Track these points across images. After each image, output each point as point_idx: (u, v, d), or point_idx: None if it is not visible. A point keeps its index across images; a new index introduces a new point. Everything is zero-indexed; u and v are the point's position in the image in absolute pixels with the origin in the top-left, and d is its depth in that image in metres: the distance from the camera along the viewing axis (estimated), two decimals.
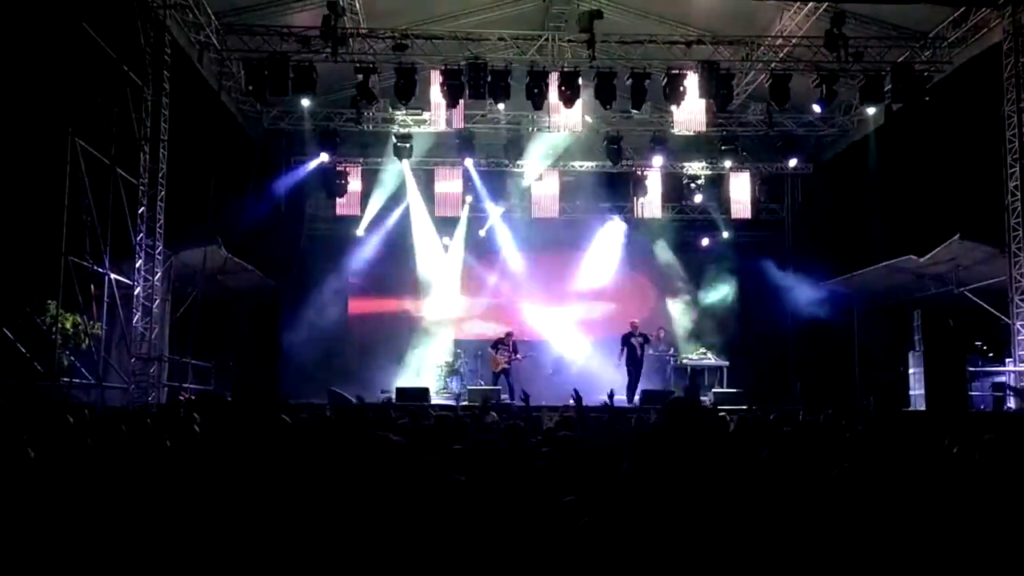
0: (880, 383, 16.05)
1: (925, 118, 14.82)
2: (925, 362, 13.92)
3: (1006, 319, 13.69)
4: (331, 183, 18.95)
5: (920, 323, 14.19)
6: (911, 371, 14.44)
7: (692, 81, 15.13)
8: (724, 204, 19.77)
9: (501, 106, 16.19)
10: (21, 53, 10.99)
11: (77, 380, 11.91)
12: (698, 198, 19.66)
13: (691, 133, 16.93)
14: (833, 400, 15.14)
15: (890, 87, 15.02)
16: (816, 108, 16.44)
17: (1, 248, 11.00)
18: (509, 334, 17.16)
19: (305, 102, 16.16)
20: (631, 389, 15.95)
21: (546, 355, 19.01)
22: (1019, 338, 13.33)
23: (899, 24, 14.98)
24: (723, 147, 18.44)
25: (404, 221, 19.82)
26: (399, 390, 15.23)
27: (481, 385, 16.52)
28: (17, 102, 10.96)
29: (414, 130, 17.85)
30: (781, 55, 15.41)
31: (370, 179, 19.45)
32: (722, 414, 9.67)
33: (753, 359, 18.16)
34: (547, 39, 15.33)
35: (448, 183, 19.12)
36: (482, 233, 20.08)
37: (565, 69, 15.13)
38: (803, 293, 19.08)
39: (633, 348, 16.31)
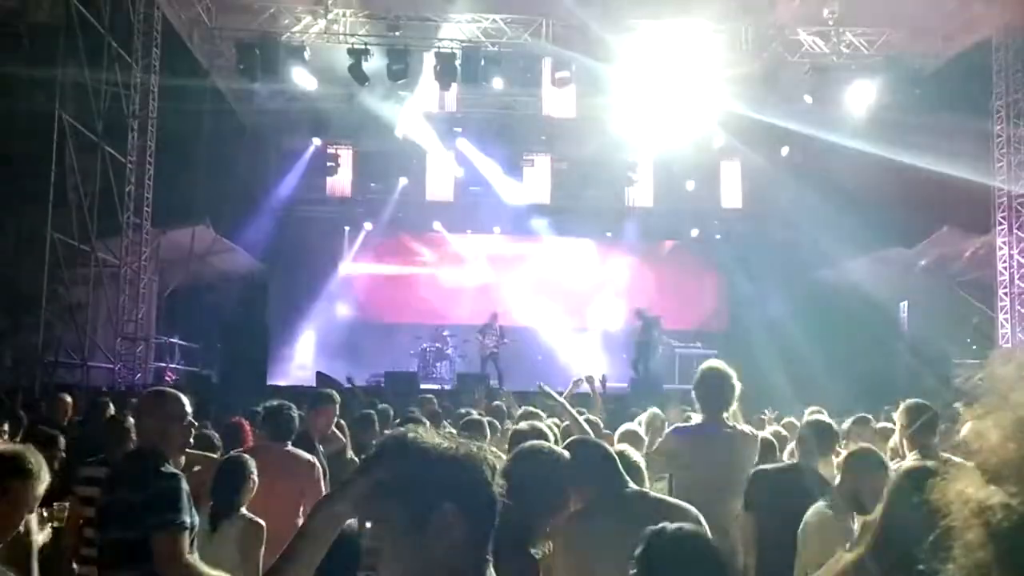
0: (868, 375, 16.13)
1: (915, 110, 14.86)
2: (911, 355, 14.01)
3: (991, 313, 13.81)
4: (322, 164, 18.85)
5: (907, 315, 14.26)
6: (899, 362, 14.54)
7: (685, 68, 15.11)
8: (715, 193, 19.80)
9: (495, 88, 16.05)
10: (9, 29, 10.86)
11: (63, 360, 11.85)
12: (690, 187, 19.68)
13: (682, 121, 16.93)
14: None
15: (882, 78, 15.05)
16: (807, 98, 16.45)
17: None
18: (494, 315, 17.09)
19: (296, 82, 16.02)
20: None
21: (534, 340, 19.01)
22: (1003, 331, 13.44)
23: (892, 15, 15.01)
24: (715, 136, 18.44)
25: (397, 206, 19.77)
26: (388, 375, 15.20)
27: (469, 370, 16.52)
28: (4, 78, 10.83)
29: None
30: (773, 44, 15.40)
31: (361, 160, 19.36)
32: None
33: (742, 349, 18.20)
34: (541, 23, 15.25)
35: (440, 165, 19.06)
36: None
37: (559, 54, 15.07)
38: (792, 285, 19.16)
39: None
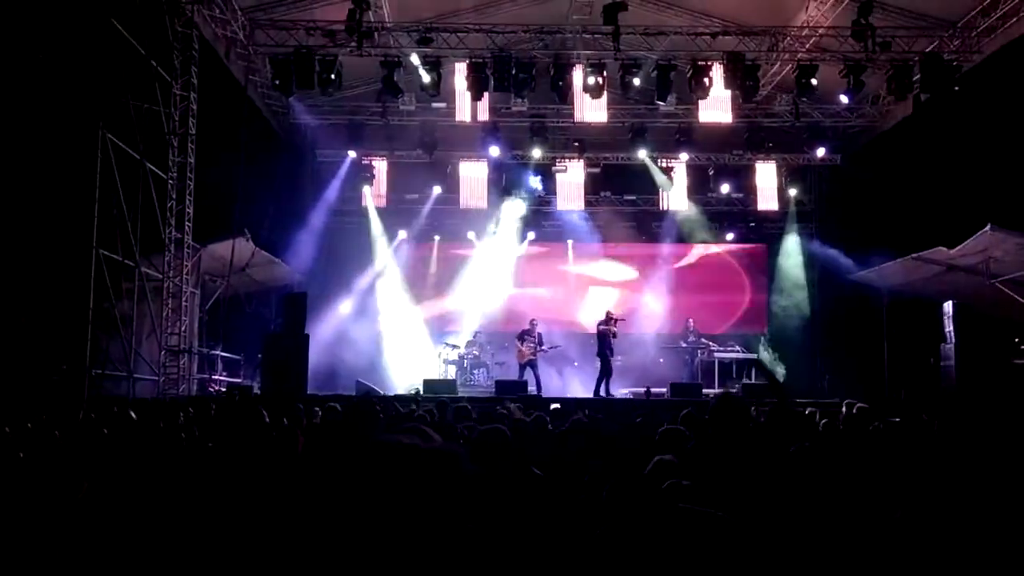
0: (910, 376, 15.86)
1: (955, 108, 14.61)
2: (957, 354, 13.71)
3: None
4: (357, 176, 19.08)
5: (953, 314, 13.96)
6: (943, 363, 14.25)
7: (717, 72, 15.03)
8: (750, 196, 19.64)
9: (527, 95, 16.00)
10: (52, 49, 11.13)
11: (109, 372, 12.09)
12: (724, 189, 19.57)
13: (718, 123, 16.81)
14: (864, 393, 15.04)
15: (919, 77, 14.82)
16: (843, 98, 16.25)
17: (34, 241, 11.18)
18: (533, 322, 17.10)
19: (331, 95, 16.23)
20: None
21: (572, 346, 18.95)
22: None
23: (927, 13, 14.78)
24: (749, 138, 18.31)
25: (432, 215, 19.89)
26: (426, 382, 15.29)
27: (508, 377, 16.53)
28: (49, 98, 11.10)
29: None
30: (807, 45, 15.26)
31: (396, 171, 19.52)
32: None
33: (782, 352, 18.05)
34: (572, 31, 15.30)
35: (473, 176, 19.13)
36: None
37: (590, 61, 15.10)
38: (831, 286, 18.94)
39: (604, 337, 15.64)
